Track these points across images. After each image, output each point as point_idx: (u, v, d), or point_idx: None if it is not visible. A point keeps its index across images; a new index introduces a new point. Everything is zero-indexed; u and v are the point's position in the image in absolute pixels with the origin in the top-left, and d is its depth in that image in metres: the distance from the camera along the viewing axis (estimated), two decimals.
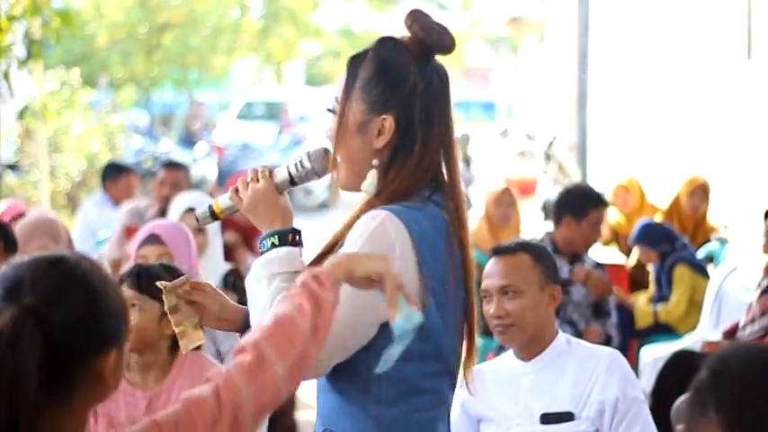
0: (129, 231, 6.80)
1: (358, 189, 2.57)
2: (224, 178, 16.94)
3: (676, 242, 7.09)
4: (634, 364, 6.60)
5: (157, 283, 2.75)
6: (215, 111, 28.72)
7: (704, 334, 6.48)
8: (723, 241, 7.78)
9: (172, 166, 7.83)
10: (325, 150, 2.62)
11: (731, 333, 5.75)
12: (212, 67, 25.37)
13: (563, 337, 3.54)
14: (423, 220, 2.48)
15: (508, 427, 3.46)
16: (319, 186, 18.29)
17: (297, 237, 2.59)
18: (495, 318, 3.50)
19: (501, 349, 4.34)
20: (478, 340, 3.67)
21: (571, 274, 5.75)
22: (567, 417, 3.41)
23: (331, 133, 2.59)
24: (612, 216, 8.25)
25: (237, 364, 1.94)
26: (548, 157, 13.28)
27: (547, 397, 3.44)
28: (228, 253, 6.69)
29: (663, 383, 5.99)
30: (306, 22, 26.55)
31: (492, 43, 33.77)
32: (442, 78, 2.59)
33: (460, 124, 24.11)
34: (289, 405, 6.67)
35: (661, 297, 7.06)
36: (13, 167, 13.23)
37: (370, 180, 2.55)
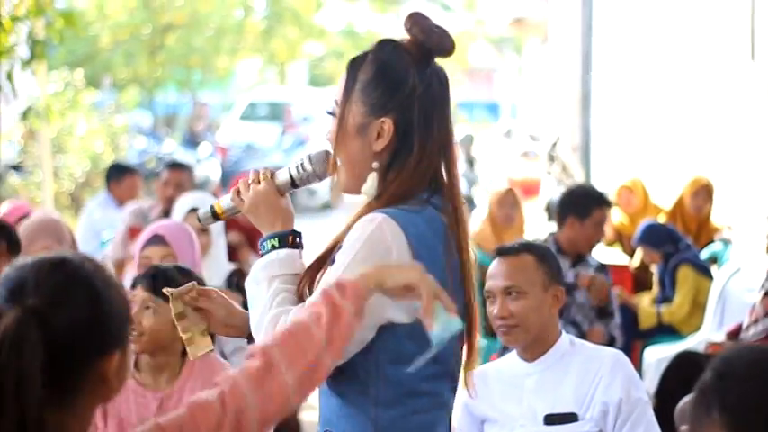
0: (132, 232, 6.81)
1: (358, 192, 2.58)
2: (227, 179, 16.93)
3: (680, 243, 7.08)
4: (638, 365, 6.59)
5: (164, 290, 2.75)
6: (218, 111, 28.75)
7: (708, 335, 6.47)
8: (726, 242, 7.77)
9: (175, 166, 7.83)
10: (327, 153, 2.62)
11: (735, 334, 5.75)
12: (216, 68, 25.41)
13: (566, 338, 3.54)
14: (420, 223, 2.48)
15: (512, 427, 3.46)
16: (323, 187, 18.28)
17: (297, 239, 2.60)
18: (498, 318, 3.50)
19: (505, 350, 4.34)
20: (482, 341, 3.67)
21: (576, 279, 5.76)
22: (570, 417, 3.41)
23: (331, 136, 2.59)
24: (616, 217, 8.25)
25: (245, 370, 1.94)
26: (551, 158, 13.28)
27: (550, 398, 3.44)
28: (232, 253, 6.70)
29: (666, 384, 5.99)
30: (309, 22, 26.59)
31: (496, 44, 33.76)
32: (441, 81, 2.58)
33: (464, 125, 24.15)
34: None
35: (664, 298, 7.05)
36: (16, 168, 13.26)
37: (371, 183, 2.55)
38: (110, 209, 8.43)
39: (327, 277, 2.46)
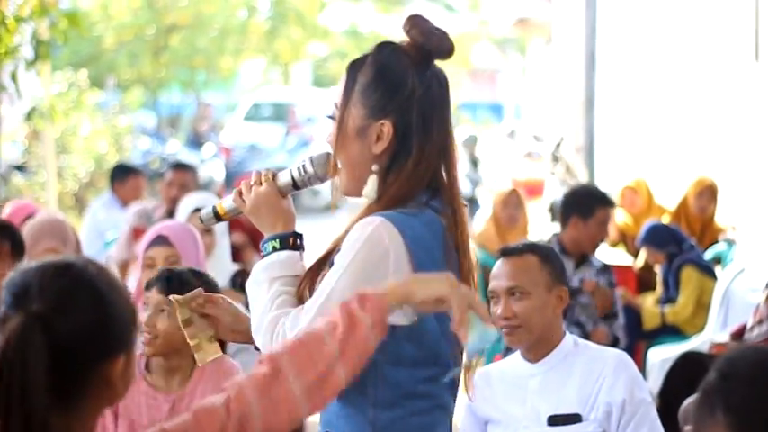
0: (136, 232, 6.81)
1: (359, 194, 2.58)
2: (231, 179, 16.96)
3: (684, 243, 7.08)
4: (641, 366, 6.59)
5: (170, 297, 2.75)
6: (222, 112, 28.77)
7: (711, 335, 6.47)
8: (730, 242, 7.77)
9: (179, 167, 7.83)
10: (328, 155, 2.63)
11: (738, 334, 5.74)
12: (219, 69, 25.41)
13: (570, 339, 3.54)
14: (418, 225, 2.48)
15: (515, 428, 3.46)
16: (326, 188, 18.23)
17: (298, 240, 2.60)
18: (502, 319, 3.50)
19: (508, 351, 4.34)
20: (488, 341, 3.66)
21: (581, 284, 5.76)
22: (574, 418, 3.41)
23: (331, 138, 2.60)
24: (620, 217, 8.25)
25: (252, 377, 1.94)
26: (555, 159, 13.28)
27: (554, 398, 3.44)
28: (236, 254, 6.70)
29: (670, 385, 5.99)
30: (313, 23, 26.58)
31: (499, 44, 33.74)
32: (441, 83, 2.58)
33: (468, 125, 24.14)
34: None
35: (668, 298, 7.05)
36: (20, 168, 13.28)
37: (371, 185, 2.55)
38: (114, 209, 8.44)
39: (326, 279, 2.46)
